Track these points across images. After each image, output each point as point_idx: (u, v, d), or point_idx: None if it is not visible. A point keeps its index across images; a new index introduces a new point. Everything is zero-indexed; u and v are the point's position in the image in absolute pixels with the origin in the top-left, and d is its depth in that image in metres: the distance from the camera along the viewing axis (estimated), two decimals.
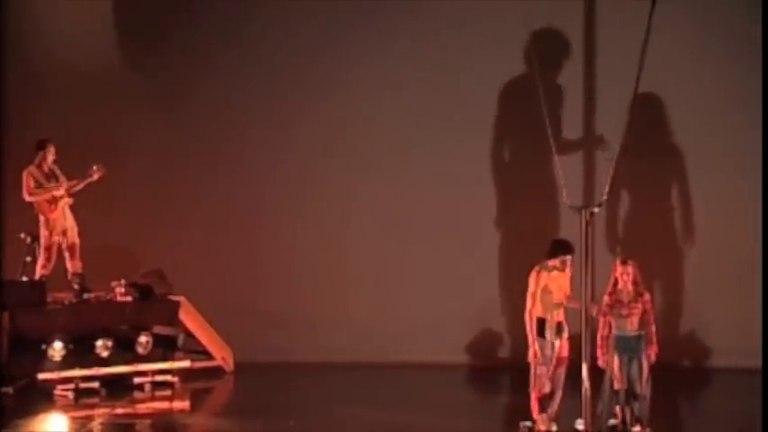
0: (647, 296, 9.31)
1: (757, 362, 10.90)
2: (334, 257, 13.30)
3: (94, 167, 11.92)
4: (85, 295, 11.98)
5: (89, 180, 11.95)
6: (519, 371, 9.44)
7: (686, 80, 12.84)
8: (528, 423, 9.23)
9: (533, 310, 9.14)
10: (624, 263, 9.33)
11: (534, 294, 9.13)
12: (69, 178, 11.99)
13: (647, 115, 12.11)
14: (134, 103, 13.60)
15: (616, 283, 9.27)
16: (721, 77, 12.79)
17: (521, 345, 9.51)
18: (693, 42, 12.77)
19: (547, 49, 12.56)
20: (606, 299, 9.30)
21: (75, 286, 11.99)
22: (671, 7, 11.54)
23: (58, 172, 12.02)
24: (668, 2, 11.01)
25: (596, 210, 9.09)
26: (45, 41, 13.52)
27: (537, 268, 9.20)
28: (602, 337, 9.27)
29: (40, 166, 11.96)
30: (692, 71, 12.82)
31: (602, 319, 9.27)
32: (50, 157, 11.97)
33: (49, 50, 13.50)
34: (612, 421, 9.22)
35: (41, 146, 11.96)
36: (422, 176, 13.26)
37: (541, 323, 9.10)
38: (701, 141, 13.05)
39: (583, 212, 9.02)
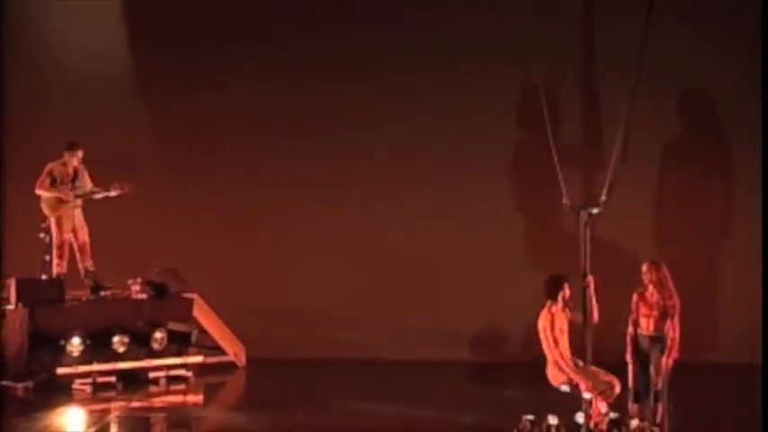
0: (672, 301, 9.17)
1: (757, 358, 10.95)
2: (343, 257, 13.32)
3: (116, 184, 11.85)
4: (102, 292, 12.02)
5: (107, 194, 11.88)
6: (520, 366, 9.38)
7: (688, 80, 12.98)
8: (530, 417, 9.10)
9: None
10: (649, 264, 9.29)
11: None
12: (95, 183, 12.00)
13: (649, 115, 12.02)
14: (142, 103, 13.61)
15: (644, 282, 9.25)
16: (725, 76, 12.88)
17: (523, 341, 9.62)
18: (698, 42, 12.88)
19: (548, 52, 12.50)
20: (634, 297, 9.29)
21: (90, 284, 12.06)
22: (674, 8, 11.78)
23: (85, 175, 11.97)
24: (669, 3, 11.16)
25: (595, 211, 8.82)
26: (46, 41, 13.44)
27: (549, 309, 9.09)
28: (628, 334, 9.26)
29: (65, 165, 11.91)
30: (694, 70, 12.95)
31: (630, 317, 9.26)
32: (75, 160, 11.90)
33: (51, 50, 13.44)
34: (613, 414, 9.10)
35: (69, 147, 11.90)
36: (429, 179, 13.34)
37: None
38: (700, 141, 13.13)
39: (581, 213, 8.82)
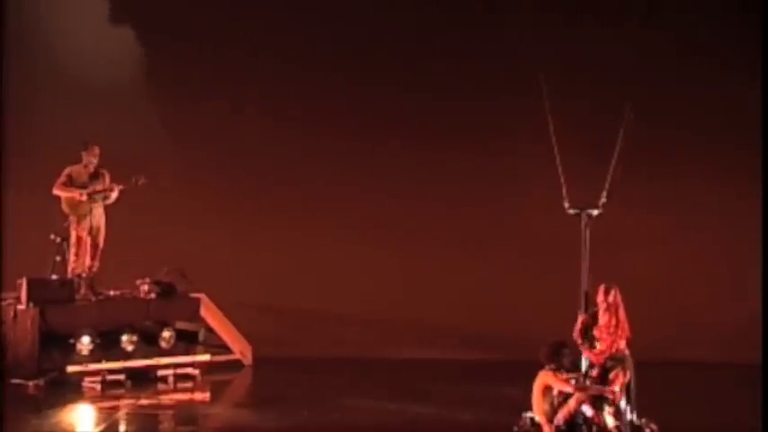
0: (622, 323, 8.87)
1: (757, 357, 10.85)
2: (347, 257, 13.42)
3: (133, 178, 11.84)
4: (92, 297, 12.00)
5: (129, 186, 11.89)
6: (521, 364, 9.44)
7: (688, 81, 13.07)
8: (530, 414, 9.04)
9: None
10: (604, 289, 8.88)
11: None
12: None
13: (648, 117, 11.76)
14: (149, 103, 13.65)
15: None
16: (725, 76, 12.98)
17: (523, 339, 9.76)
18: (693, 46, 12.97)
19: (551, 54, 12.68)
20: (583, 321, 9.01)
21: (88, 283, 11.99)
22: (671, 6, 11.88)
23: (106, 176, 11.99)
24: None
25: (595, 212, 8.97)
26: (48, 41, 13.46)
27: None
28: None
29: (85, 166, 11.96)
30: (689, 73, 13.06)
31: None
32: (93, 159, 11.90)
33: (52, 50, 13.47)
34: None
35: (84, 147, 11.92)
36: (428, 181, 13.51)
37: None
38: (701, 142, 13.21)
39: (582, 215, 8.98)
